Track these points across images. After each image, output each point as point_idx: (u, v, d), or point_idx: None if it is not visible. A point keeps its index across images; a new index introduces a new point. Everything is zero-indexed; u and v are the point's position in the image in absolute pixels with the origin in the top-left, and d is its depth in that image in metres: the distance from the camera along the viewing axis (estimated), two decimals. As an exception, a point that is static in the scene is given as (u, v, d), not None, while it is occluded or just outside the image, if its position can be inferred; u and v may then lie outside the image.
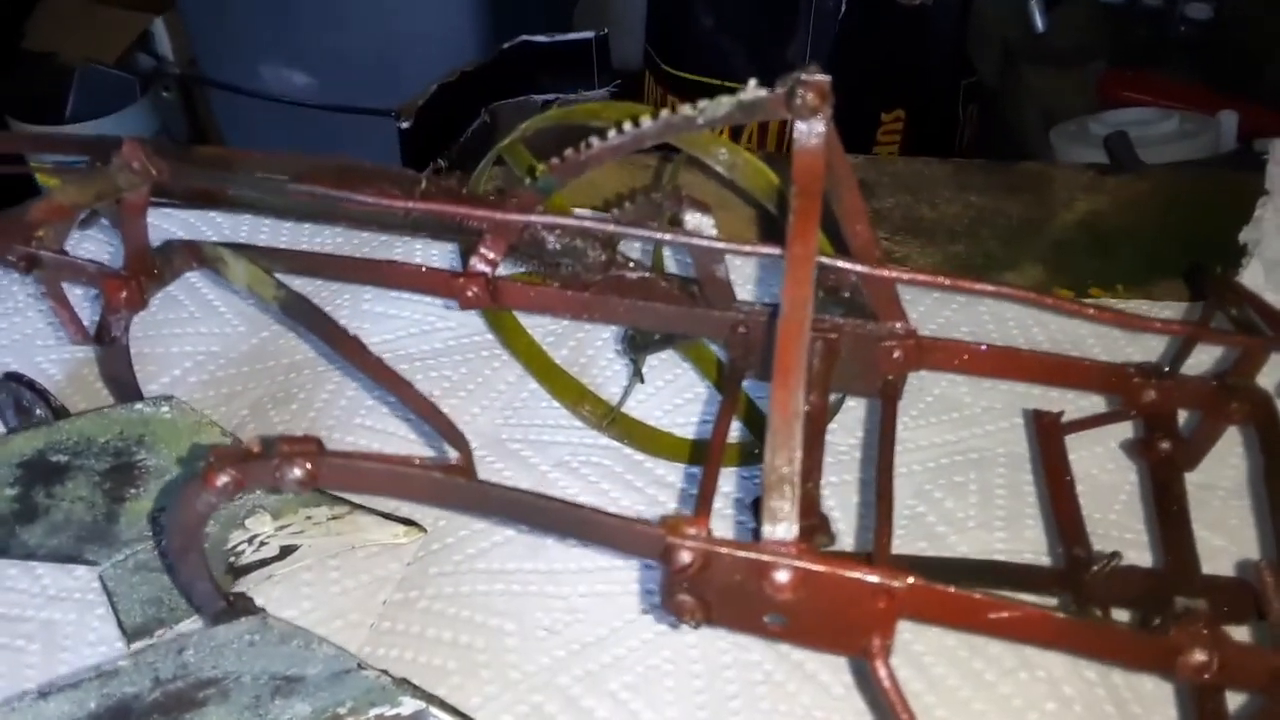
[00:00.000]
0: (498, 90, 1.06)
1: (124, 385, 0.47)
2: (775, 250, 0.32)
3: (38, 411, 0.50)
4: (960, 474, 0.50)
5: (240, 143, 1.49)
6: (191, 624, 0.45)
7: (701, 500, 0.33)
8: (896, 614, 0.29)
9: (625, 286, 0.39)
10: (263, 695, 0.38)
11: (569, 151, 0.36)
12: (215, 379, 0.57)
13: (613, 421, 0.53)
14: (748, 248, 0.35)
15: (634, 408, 0.54)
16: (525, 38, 1.06)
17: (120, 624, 0.45)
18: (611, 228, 0.35)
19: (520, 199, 0.38)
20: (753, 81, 0.33)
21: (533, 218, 0.36)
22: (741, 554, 0.28)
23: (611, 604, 0.47)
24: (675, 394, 0.56)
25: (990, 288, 0.33)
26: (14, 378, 0.50)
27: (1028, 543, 0.47)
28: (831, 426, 0.48)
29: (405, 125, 0.98)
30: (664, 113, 0.34)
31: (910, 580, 0.28)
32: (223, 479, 0.32)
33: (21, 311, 0.60)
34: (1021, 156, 1.17)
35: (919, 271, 0.35)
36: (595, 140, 0.35)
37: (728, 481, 0.51)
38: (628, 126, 0.35)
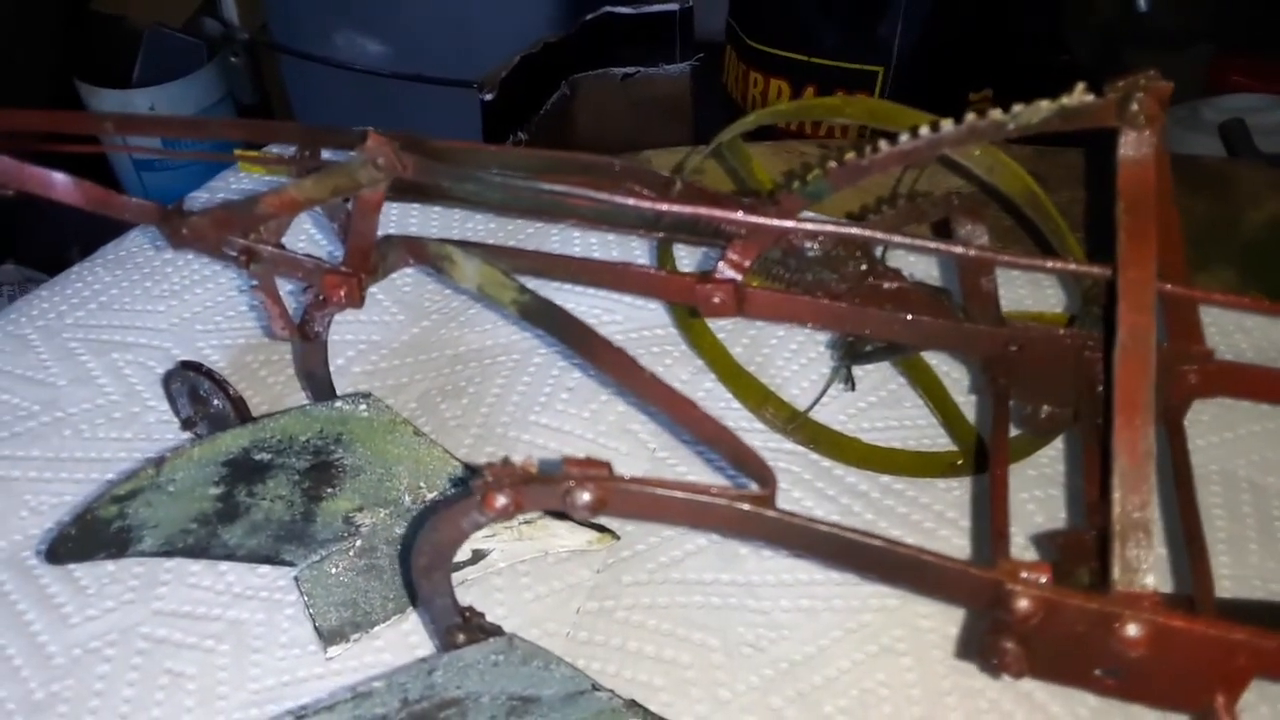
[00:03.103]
0: (578, 62, 1.03)
1: (320, 381, 0.45)
2: (1106, 271, 0.30)
3: (215, 402, 0.48)
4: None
5: (310, 111, 1.46)
6: (386, 628, 0.44)
7: (998, 539, 0.31)
8: (1253, 673, 0.27)
9: (881, 297, 0.37)
10: (498, 715, 0.36)
11: (849, 155, 0.34)
12: (379, 370, 0.55)
13: (798, 426, 0.51)
14: (1057, 265, 0.32)
15: (816, 411, 0.52)
16: (608, 9, 1.03)
17: (316, 627, 0.44)
18: (898, 239, 0.33)
19: (783, 203, 0.35)
20: (1080, 85, 0.31)
21: (804, 225, 0.34)
22: (1093, 605, 0.27)
23: (815, 620, 0.45)
24: (859, 396, 0.53)
25: (1316, 316, 0.31)
26: (191, 366, 0.48)
27: (1253, 569, 0.45)
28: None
29: (489, 97, 0.96)
30: (969, 116, 0.32)
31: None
32: (502, 500, 0.30)
33: (178, 295, 0.58)
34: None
35: (1229, 293, 0.32)
36: (884, 144, 0.33)
37: (925, 492, 0.49)
38: (925, 131, 0.32)
